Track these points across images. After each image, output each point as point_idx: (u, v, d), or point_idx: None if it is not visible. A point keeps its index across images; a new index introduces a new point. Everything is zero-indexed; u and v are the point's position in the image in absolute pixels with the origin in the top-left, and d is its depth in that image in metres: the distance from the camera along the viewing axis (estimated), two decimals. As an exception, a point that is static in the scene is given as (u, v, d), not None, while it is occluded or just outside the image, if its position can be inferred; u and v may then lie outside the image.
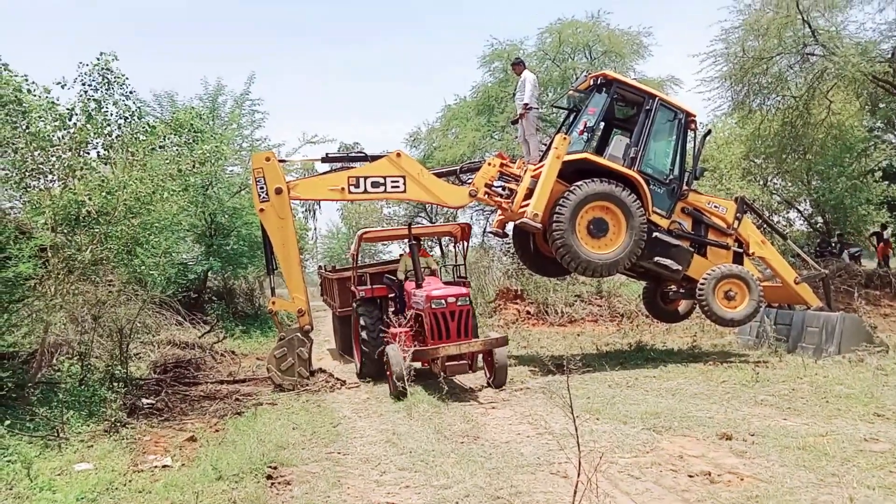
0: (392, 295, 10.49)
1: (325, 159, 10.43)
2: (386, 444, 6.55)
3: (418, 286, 9.29)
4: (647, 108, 9.90)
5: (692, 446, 5.96)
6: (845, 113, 19.31)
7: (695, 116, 10.19)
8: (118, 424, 7.18)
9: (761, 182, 23.31)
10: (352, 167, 10.20)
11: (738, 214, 10.39)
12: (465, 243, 11.45)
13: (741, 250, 10.52)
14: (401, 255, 11.63)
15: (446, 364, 8.43)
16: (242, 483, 5.32)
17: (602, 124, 10.43)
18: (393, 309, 10.28)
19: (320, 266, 16.03)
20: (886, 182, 21.29)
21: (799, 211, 24.56)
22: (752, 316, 10.14)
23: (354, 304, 10.56)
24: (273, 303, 10.12)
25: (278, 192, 9.62)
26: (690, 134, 10.24)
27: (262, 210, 9.73)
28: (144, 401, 8.47)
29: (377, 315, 10.14)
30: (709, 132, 11.41)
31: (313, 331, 10.13)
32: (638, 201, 9.55)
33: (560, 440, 6.27)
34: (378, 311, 10.27)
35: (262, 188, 9.63)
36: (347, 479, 5.51)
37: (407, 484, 5.35)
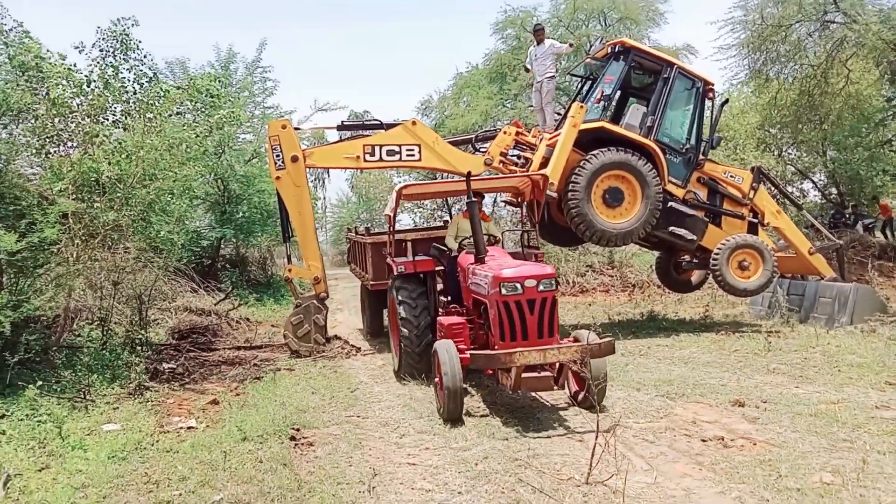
0: (441, 269, 7.91)
1: (341, 127, 10.42)
2: (404, 409, 6.69)
3: (479, 261, 6.68)
4: (665, 76, 9.81)
5: (705, 412, 6.06)
6: (864, 82, 18.98)
7: (713, 85, 10.09)
8: (142, 387, 7.36)
9: (776, 152, 23.10)
10: (367, 135, 10.20)
11: (753, 184, 10.35)
12: (539, 203, 8.21)
13: (756, 220, 10.50)
14: (448, 219, 10.41)
15: (523, 377, 5.75)
16: (267, 444, 5.47)
17: (619, 92, 10.34)
18: (441, 289, 7.92)
19: (349, 228, 14.53)
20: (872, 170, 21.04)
21: (813, 182, 24.36)
22: (766, 286, 10.16)
23: (392, 281, 8.11)
24: (289, 270, 10.22)
25: (294, 159, 9.65)
26: (708, 103, 10.16)
27: (278, 178, 9.77)
28: (165, 365, 8.64)
29: (422, 298, 7.68)
30: (726, 101, 11.30)
31: (328, 298, 10.24)
32: (654, 171, 9.52)
33: (576, 406, 6.40)
34: (424, 291, 7.77)
35: (278, 156, 9.67)
36: (368, 441, 5.65)
37: (427, 446, 5.48)
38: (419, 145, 9.87)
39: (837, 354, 8.06)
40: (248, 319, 13.33)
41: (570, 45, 11.21)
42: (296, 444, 5.57)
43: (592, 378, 5.92)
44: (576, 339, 6.14)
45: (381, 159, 9.91)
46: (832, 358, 7.92)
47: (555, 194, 9.38)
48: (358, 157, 9.81)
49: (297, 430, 5.91)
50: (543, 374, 5.83)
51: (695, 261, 11.01)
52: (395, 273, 7.92)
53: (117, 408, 6.79)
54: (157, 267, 9.69)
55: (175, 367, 8.66)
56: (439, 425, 5.98)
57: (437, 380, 6.21)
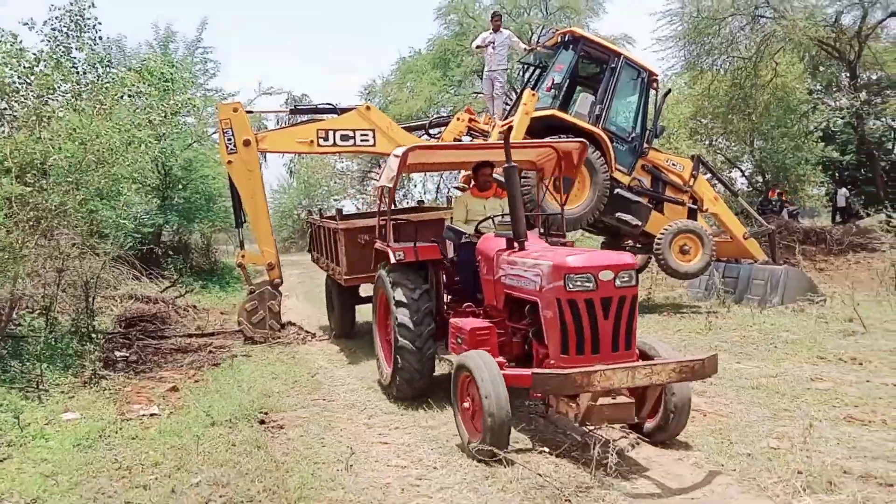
0: (452, 258, 6.33)
1: (294, 111, 10.33)
2: (369, 391, 6.81)
3: (519, 246, 5.23)
4: (612, 66, 10.15)
5: (657, 387, 6.42)
6: (789, 75, 20.07)
7: (657, 76, 10.51)
8: (97, 376, 7.20)
9: (707, 142, 24.10)
10: (320, 119, 10.15)
11: (694, 172, 10.86)
12: (570, 180, 7.12)
13: (696, 207, 11.03)
14: (454, 197, 8.92)
15: (598, 404, 4.29)
16: (237, 428, 5.49)
17: (568, 81, 10.63)
18: (447, 285, 6.41)
19: (310, 211, 13.26)
20: (824, 143, 22.32)
21: (741, 170, 25.56)
22: (705, 269, 10.71)
23: (383, 272, 6.30)
24: (242, 256, 10.11)
25: (246, 143, 9.52)
26: (652, 93, 10.57)
27: (229, 162, 9.62)
28: (118, 353, 8.46)
29: (426, 297, 5.98)
30: (668, 91, 11.77)
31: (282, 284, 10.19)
32: (602, 158, 9.87)
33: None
34: (427, 287, 6.06)
35: (229, 140, 9.51)
36: (337, 423, 5.75)
37: (396, 426, 5.63)
38: (373, 130, 9.90)
39: (773, 332, 8.62)
40: (195, 307, 13.09)
41: (528, 49, 11.46)
42: (266, 428, 5.62)
43: (675, 407, 4.62)
44: (645, 355, 4.82)
45: (335, 144, 9.89)
46: (768, 335, 8.47)
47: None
48: (311, 141, 9.75)
49: (266, 413, 5.95)
50: (622, 400, 4.33)
51: (638, 245, 11.47)
52: (392, 263, 5.97)
53: (73, 397, 6.64)
54: (103, 253, 9.43)
55: (128, 355, 8.48)
56: (405, 407, 6.12)
57: (462, 404, 4.78)
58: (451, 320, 5.67)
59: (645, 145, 10.59)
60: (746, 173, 25.29)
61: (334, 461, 4.77)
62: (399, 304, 5.89)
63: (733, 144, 24.13)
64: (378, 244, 6.57)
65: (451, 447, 4.95)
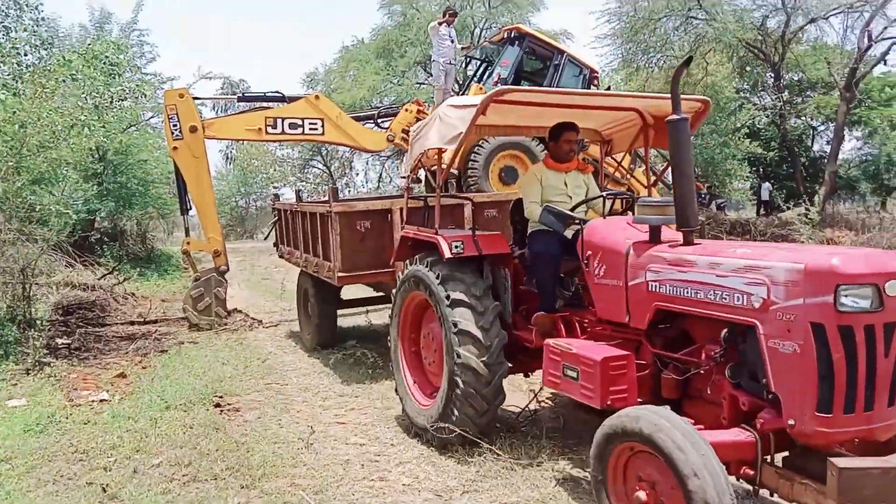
0: (522, 252, 4.92)
1: (241, 98, 10.27)
2: (321, 375, 6.95)
3: (687, 238, 3.61)
4: (556, 62, 10.52)
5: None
6: (719, 74, 21.04)
7: (598, 73, 10.95)
8: (40, 363, 7.08)
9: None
10: (268, 107, 10.13)
11: (632, 165, 11.36)
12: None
13: (635, 198, 11.53)
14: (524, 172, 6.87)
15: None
16: (193, 411, 5.57)
17: (513, 76, 10.93)
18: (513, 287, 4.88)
19: (276, 195, 11.19)
20: (749, 140, 23.52)
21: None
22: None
23: (421, 269, 4.80)
24: (187, 243, 10.01)
25: (193, 130, 9.42)
26: (593, 89, 10.99)
27: (175, 148, 9.51)
28: (59, 340, 8.29)
29: (489, 299, 4.57)
30: (608, 88, 12.24)
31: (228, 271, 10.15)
32: (546, 151, 10.20)
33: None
34: (489, 283, 4.68)
35: (175, 126, 9.39)
36: (293, 406, 5.88)
37: (351, 407, 5.81)
38: (322, 119, 9.95)
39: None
40: (133, 294, 12.83)
41: (464, 47, 11.85)
42: (222, 411, 5.70)
43: None
44: None
45: (283, 132, 9.89)
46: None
47: (455, 171, 9.84)
48: (260, 129, 9.73)
49: (220, 397, 6.02)
50: None
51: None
52: (448, 255, 4.51)
53: (16, 384, 6.54)
54: (41, 240, 9.18)
55: (70, 342, 8.33)
56: (360, 387, 6.31)
57: (632, 494, 3.05)
58: (552, 342, 3.98)
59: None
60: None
61: (294, 440, 4.92)
62: (456, 303, 4.40)
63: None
64: (410, 232, 5.18)
65: (407, 425, 5.16)
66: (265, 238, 10.59)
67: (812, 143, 27.40)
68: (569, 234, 4.58)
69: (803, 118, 24.10)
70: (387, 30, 26.09)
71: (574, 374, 3.74)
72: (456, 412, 4.44)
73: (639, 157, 11.65)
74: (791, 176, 24.07)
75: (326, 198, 7.37)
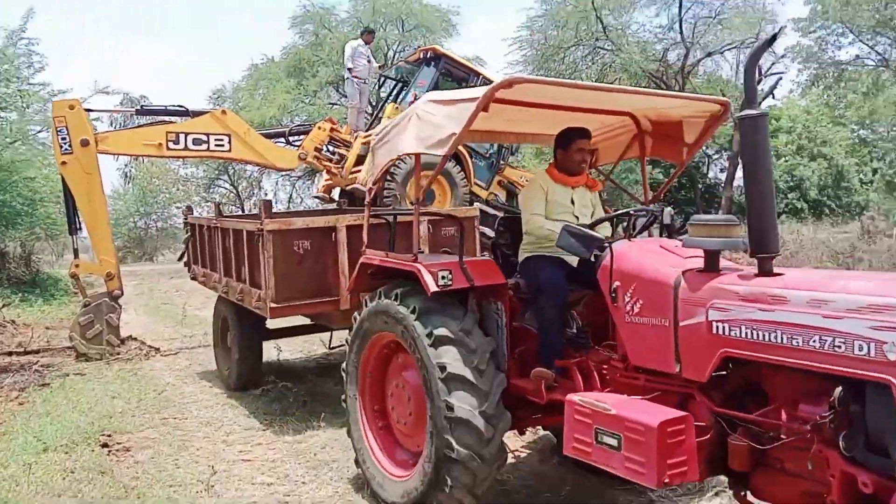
0: (517, 282, 4.04)
1: (140, 112, 9.62)
2: (224, 407, 6.44)
3: (763, 268, 2.92)
4: (472, 84, 10.50)
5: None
6: (624, 104, 21.90)
7: (512, 96, 11.02)
8: None
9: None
10: (170, 122, 9.53)
11: (545, 188, 11.49)
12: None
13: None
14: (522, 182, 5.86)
15: None
16: (76, 452, 4.98)
17: (429, 97, 10.85)
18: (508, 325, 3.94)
19: (189, 207, 9.74)
20: (651, 166, 24.55)
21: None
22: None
23: (388, 303, 3.93)
24: (76, 265, 9.20)
25: (84, 143, 8.70)
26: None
27: (64, 163, 8.74)
28: (-80, 375, 7.34)
29: (478, 331, 3.75)
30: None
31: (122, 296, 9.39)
32: (462, 172, 10.15)
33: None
34: (475, 318, 3.82)
35: (64, 139, 8.65)
36: (192, 442, 5.38)
37: (258, 441, 5.38)
38: (229, 135, 9.44)
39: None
40: (13, 322, 11.69)
41: (381, 66, 11.83)
42: (110, 452, 5.13)
43: None
44: None
45: (186, 148, 9.31)
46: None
47: (365, 188, 9.58)
48: (160, 144, 9.11)
49: (109, 436, 5.43)
50: None
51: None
52: (434, 289, 3.60)
53: None
54: None
55: (-67, 377, 7.39)
56: (267, 420, 5.87)
57: None
58: (577, 399, 3.09)
59: (501, 162, 11.05)
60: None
61: (193, 482, 4.46)
62: (442, 341, 3.54)
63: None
64: (374, 258, 4.21)
65: (320, 460, 4.81)
66: (179, 259, 9.29)
67: (707, 171, 28.97)
68: (571, 260, 3.92)
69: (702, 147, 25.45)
70: (298, 48, 25.58)
71: (614, 443, 2.87)
72: (449, 482, 3.46)
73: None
74: (690, 201, 25.26)
75: (257, 211, 6.35)
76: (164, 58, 77.15)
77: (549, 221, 3.96)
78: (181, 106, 9.73)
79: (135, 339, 9.70)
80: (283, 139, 10.50)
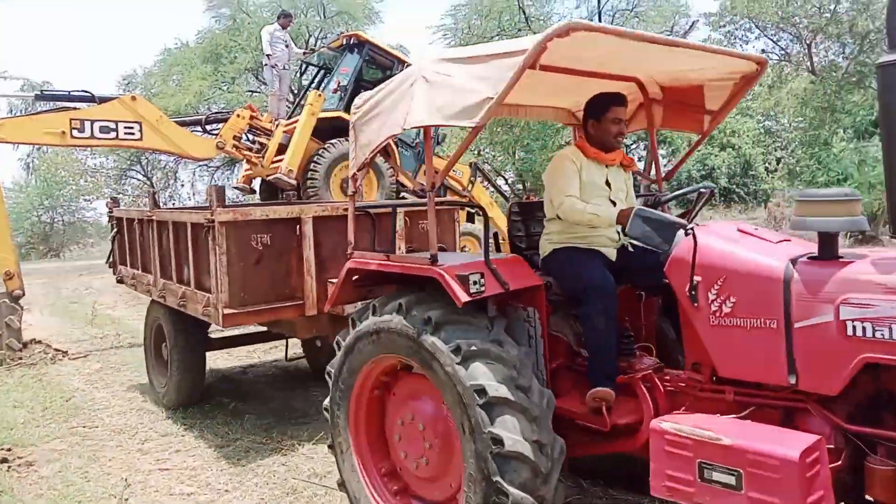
0: (582, 288, 3.20)
1: (40, 97, 8.92)
2: (139, 413, 6.06)
3: None
4: (398, 72, 10.30)
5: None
6: (547, 94, 22.18)
7: (438, 85, 10.90)
8: None
9: (476, 151, 25.74)
10: (74, 108, 8.89)
11: (472, 178, 11.44)
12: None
13: (475, 211, 11.62)
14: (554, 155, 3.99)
15: None
16: (-30, 471, 4.54)
17: (353, 84, 10.57)
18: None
19: (114, 199, 8.43)
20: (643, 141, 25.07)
21: (505, 178, 27.72)
22: (482, 270, 11.30)
23: (391, 319, 3.16)
24: (-30, 264, 8.47)
25: (-24, 131, 8.01)
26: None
27: (-49, 152, 8.02)
28: None
29: (515, 348, 2.99)
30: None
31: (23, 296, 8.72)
32: (388, 162, 9.96)
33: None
34: (522, 347, 3.07)
35: (-48, 126, 7.93)
36: (104, 453, 5.02)
37: (176, 449, 5.07)
38: (140, 123, 8.89)
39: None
40: None
41: (305, 52, 11.35)
42: (10, 467, 4.71)
43: None
44: None
45: (92, 136, 8.70)
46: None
47: (294, 182, 9.26)
48: (63, 132, 8.48)
49: (9, 450, 4.99)
50: None
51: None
52: (465, 299, 2.88)
53: None
54: None
55: None
56: (186, 427, 5.56)
57: None
58: (669, 426, 2.54)
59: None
60: (510, 181, 27.49)
61: (104, 497, 4.14)
62: (474, 355, 2.84)
63: (498, 154, 26.06)
64: (370, 261, 3.46)
65: (244, 467, 4.57)
66: (106, 261, 8.01)
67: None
68: (609, 252, 3.43)
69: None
70: (214, 34, 24.58)
71: (730, 481, 2.33)
72: None
73: (479, 171, 11.76)
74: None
75: (207, 202, 5.42)
76: (68, 39, 72.62)
77: (589, 204, 3.27)
78: (86, 91, 9.10)
79: (39, 342, 9.03)
80: (199, 127, 10.02)
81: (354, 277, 3.60)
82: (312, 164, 9.32)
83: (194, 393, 6.08)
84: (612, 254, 3.43)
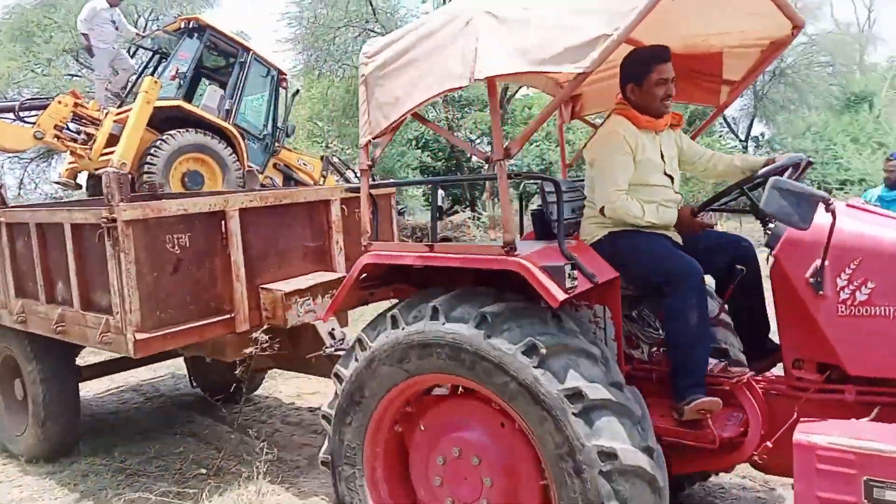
0: (666, 280, 2.77)
1: None
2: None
3: None
4: (242, 60, 9.81)
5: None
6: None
7: (286, 74, 10.52)
8: None
9: (324, 144, 25.29)
10: None
11: (323, 172, 11.21)
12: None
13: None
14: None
15: None
16: None
17: (193, 71, 9.91)
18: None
19: None
20: (421, 150, 25.35)
21: (354, 172, 27.43)
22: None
23: (428, 326, 2.58)
24: None
25: None
26: (282, 92, 10.55)
27: None
28: None
29: (611, 350, 2.77)
30: (297, 91, 11.92)
31: None
32: (234, 155, 9.46)
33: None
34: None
35: None
36: None
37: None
38: (-65, 108, 7.76)
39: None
40: None
41: (139, 34, 10.43)
42: None
43: None
44: None
45: None
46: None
47: (128, 175, 8.51)
48: None
49: None
50: None
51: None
52: (561, 297, 2.36)
53: None
54: None
55: None
56: (58, 485, 4.61)
57: None
58: (821, 439, 2.14)
59: (277, 144, 10.53)
60: (357, 175, 27.32)
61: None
62: (555, 352, 2.36)
63: (348, 148, 25.79)
64: (402, 252, 2.90)
65: (84, 490, 4.16)
66: None
67: (470, 157, 30.80)
68: (674, 234, 3.03)
69: (465, 131, 26.83)
70: (25, 10, 21.99)
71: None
72: None
73: (331, 164, 11.57)
74: (457, 184, 26.63)
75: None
76: None
77: (635, 203, 2.86)
78: None
79: None
80: (11, 115, 8.90)
81: (370, 274, 2.96)
82: (149, 157, 8.61)
83: (67, 440, 4.96)
84: (676, 235, 3.00)
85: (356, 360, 2.76)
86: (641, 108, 2.97)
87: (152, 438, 5.27)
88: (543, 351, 2.28)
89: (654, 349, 3.05)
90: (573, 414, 2.22)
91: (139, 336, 3.75)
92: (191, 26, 9.53)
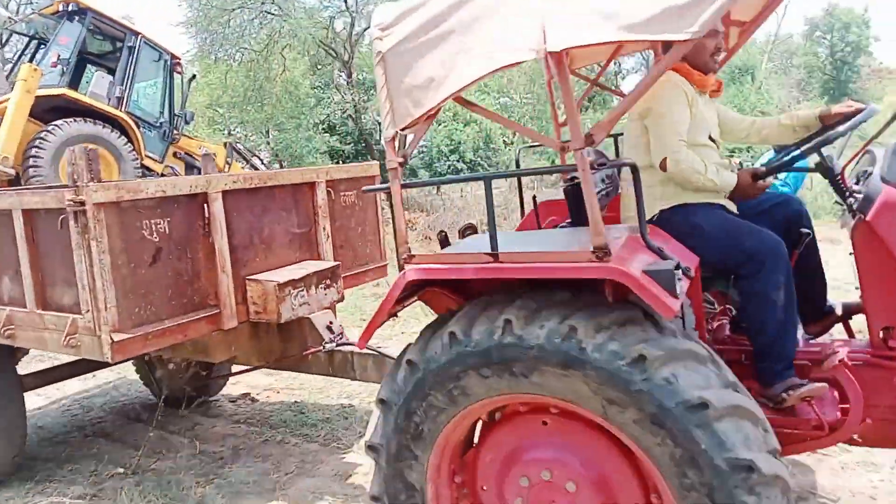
0: (747, 258, 2.53)
1: None
2: None
3: None
4: (130, 45, 9.29)
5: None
6: (296, 71, 21.67)
7: (180, 59, 10.05)
8: None
9: (226, 131, 24.41)
10: None
11: (227, 159, 10.82)
12: None
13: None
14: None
15: None
16: None
17: (76, 57, 9.30)
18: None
19: None
20: (329, 134, 24.93)
21: (261, 159, 26.70)
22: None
23: (527, 333, 2.16)
24: None
25: None
26: (177, 77, 10.09)
27: None
28: None
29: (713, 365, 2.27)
30: (193, 77, 11.41)
31: None
32: (129, 144, 8.99)
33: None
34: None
35: None
36: None
37: None
38: None
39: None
40: None
41: (13, 18, 9.63)
42: None
43: None
44: None
45: None
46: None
47: (12, 171, 7.94)
48: None
49: None
50: None
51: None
52: (676, 306, 2.07)
53: None
54: None
55: None
56: None
57: None
58: None
59: (175, 132, 10.08)
60: (266, 161, 26.56)
61: None
62: (663, 360, 2.04)
63: (251, 134, 24.98)
64: (465, 263, 2.37)
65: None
66: None
67: (380, 138, 30.52)
68: (731, 206, 2.80)
69: (373, 114, 26.58)
70: None
71: None
72: None
73: (235, 151, 11.21)
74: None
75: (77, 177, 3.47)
76: None
77: (697, 158, 2.59)
78: None
79: None
80: None
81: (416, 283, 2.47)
82: (34, 150, 8.06)
83: (12, 460, 4.40)
84: (730, 203, 2.75)
85: (405, 381, 2.35)
86: (691, 63, 2.75)
87: (61, 442, 5.01)
88: (652, 362, 2.00)
89: (717, 327, 2.88)
90: (696, 426, 1.95)
91: (116, 337, 3.28)
92: (70, 9, 8.92)
